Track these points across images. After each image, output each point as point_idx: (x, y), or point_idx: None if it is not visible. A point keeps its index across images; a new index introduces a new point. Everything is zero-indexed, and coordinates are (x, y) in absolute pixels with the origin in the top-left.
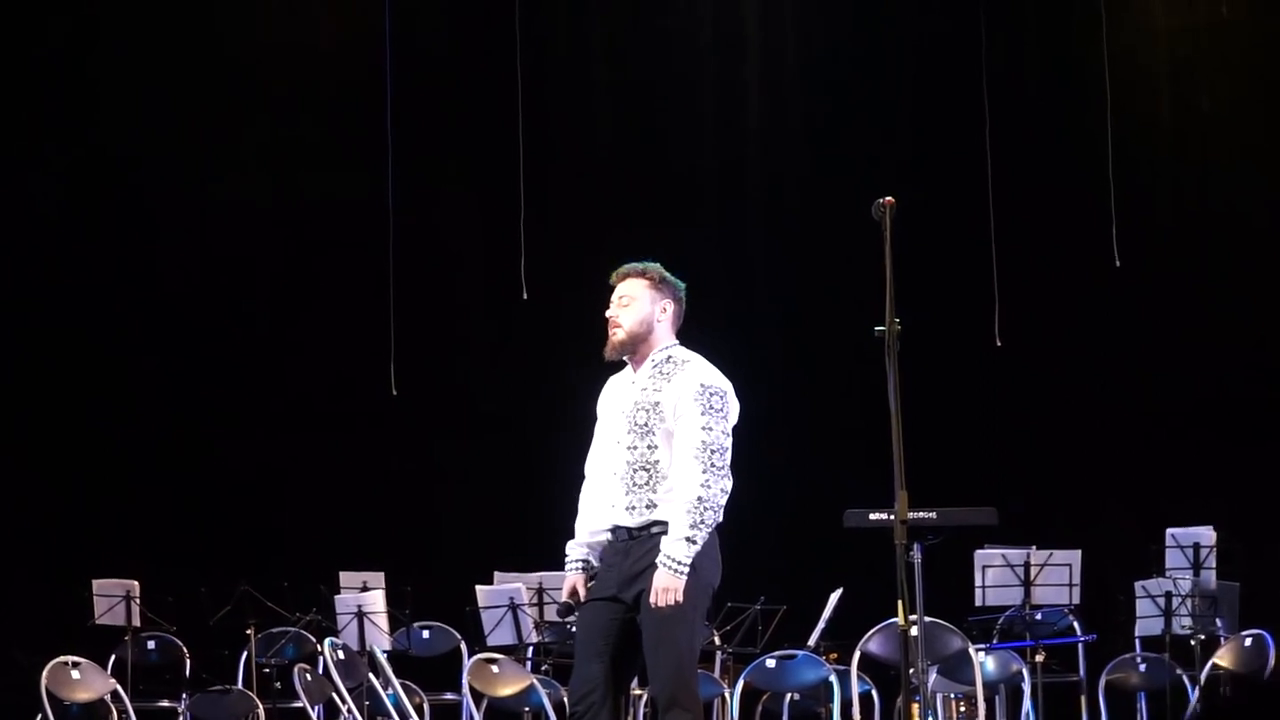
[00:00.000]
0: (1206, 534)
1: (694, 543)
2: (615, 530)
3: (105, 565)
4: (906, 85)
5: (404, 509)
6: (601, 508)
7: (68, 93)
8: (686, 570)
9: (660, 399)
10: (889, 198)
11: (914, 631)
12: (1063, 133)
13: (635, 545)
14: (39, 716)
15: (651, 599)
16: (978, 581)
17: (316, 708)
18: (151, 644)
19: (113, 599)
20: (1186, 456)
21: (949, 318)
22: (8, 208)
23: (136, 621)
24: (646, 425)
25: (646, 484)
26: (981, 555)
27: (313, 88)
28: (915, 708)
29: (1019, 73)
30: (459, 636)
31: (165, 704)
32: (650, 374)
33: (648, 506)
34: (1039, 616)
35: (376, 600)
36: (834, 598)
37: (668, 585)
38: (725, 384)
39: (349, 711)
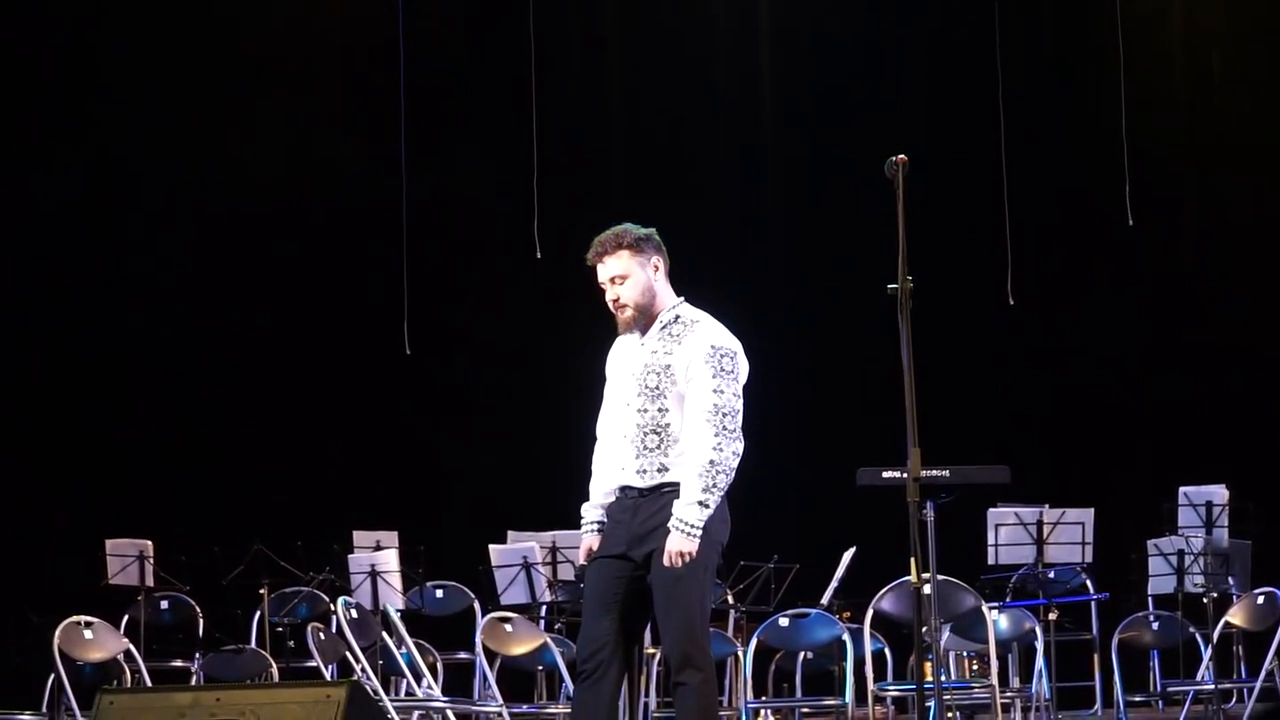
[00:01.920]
0: (1219, 492)
1: (706, 506)
2: (624, 490)
3: (119, 525)
4: (920, 44)
5: (417, 468)
6: (613, 470)
7: (78, 71)
8: (699, 534)
9: (671, 361)
10: (902, 156)
11: (927, 590)
12: (1076, 91)
13: (645, 503)
14: (52, 676)
15: (665, 561)
16: (990, 540)
17: (330, 667)
18: (165, 604)
19: (126, 559)
20: (1199, 415)
21: (962, 276)
22: (30, 178)
23: (150, 581)
24: (658, 388)
25: (658, 447)
26: (994, 514)
27: (327, 50)
28: (928, 666)
29: (1033, 32)
30: (472, 595)
31: (178, 663)
32: (659, 336)
33: (659, 470)
34: (1052, 575)
35: (390, 559)
36: (847, 556)
37: (681, 548)
38: (735, 344)
39: (362, 670)
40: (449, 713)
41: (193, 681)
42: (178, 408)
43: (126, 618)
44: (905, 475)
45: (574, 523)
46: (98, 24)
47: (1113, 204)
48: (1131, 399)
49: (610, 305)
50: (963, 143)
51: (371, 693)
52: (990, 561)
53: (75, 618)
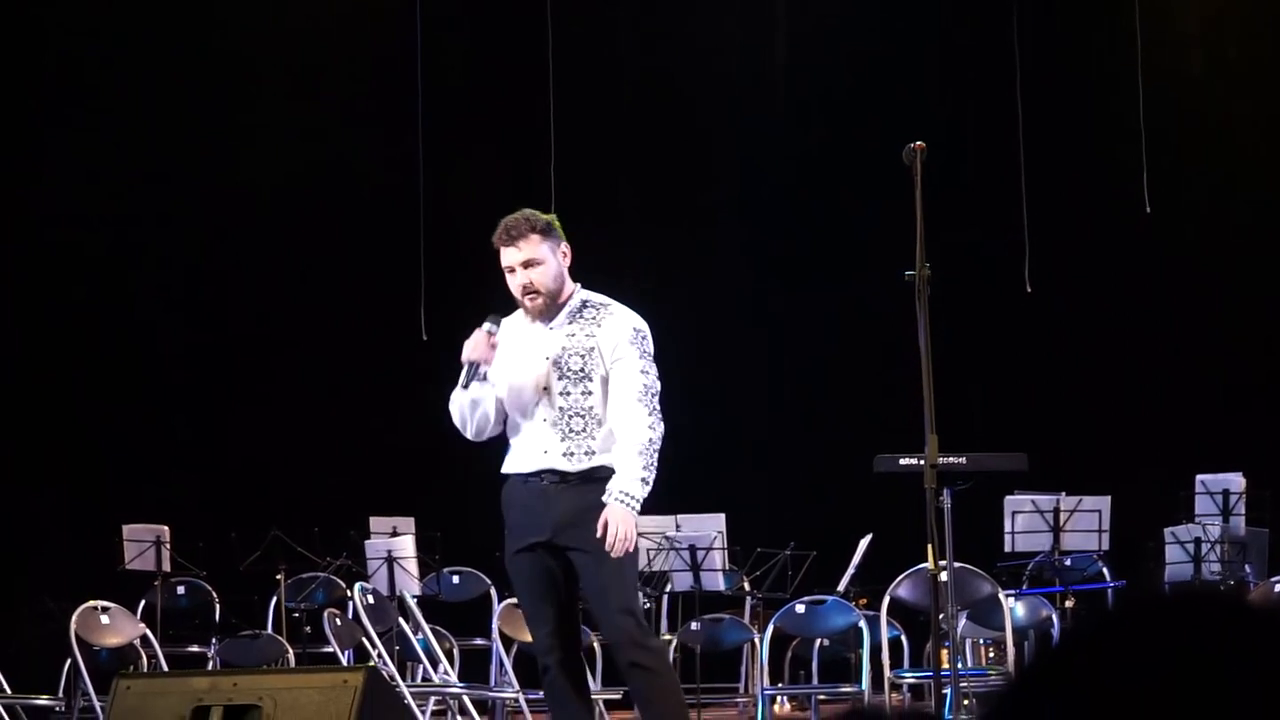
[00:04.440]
0: (1236, 480)
1: (647, 483)
2: (541, 474)
3: (135, 510)
4: (937, 31)
5: (434, 454)
6: (526, 454)
7: (90, 66)
8: (638, 508)
9: (596, 344)
10: (919, 143)
11: (943, 577)
12: (1094, 78)
13: (569, 489)
14: (69, 661)
15: (609, 535)
16: (1007, 527)
17: (346, 652)
18: (181, 589)
19: (143, 544)
20: (1216, 403)
21: (979, 263)
22: (57, 172)
23: (166, 566)
24: (582, 370)
25: (583, 430)
26: (1011, 501)
27: (345, 47)
28: (945, 653)
29: (1051, 19)
30: (489, 581)
31: (195, 649)
32: (573, 320)
33: (587, 453)
34: (1068, 562)
35: (406, 545)
36: (864, 543)
37: (623, 519)
38: (646, 324)
39: (379, 656)
40: (465, 699)
41: (209, 667)
42: (196, 393)
43: (143, 603)
44: (923, 462)
45: None
46: (112, 21)
47: (1130, 191)
48: (1148, 387)
49: (517, 290)
50: (980, 130)
51: (388, 678)
52: (1007, 549)
53: (92, 603)
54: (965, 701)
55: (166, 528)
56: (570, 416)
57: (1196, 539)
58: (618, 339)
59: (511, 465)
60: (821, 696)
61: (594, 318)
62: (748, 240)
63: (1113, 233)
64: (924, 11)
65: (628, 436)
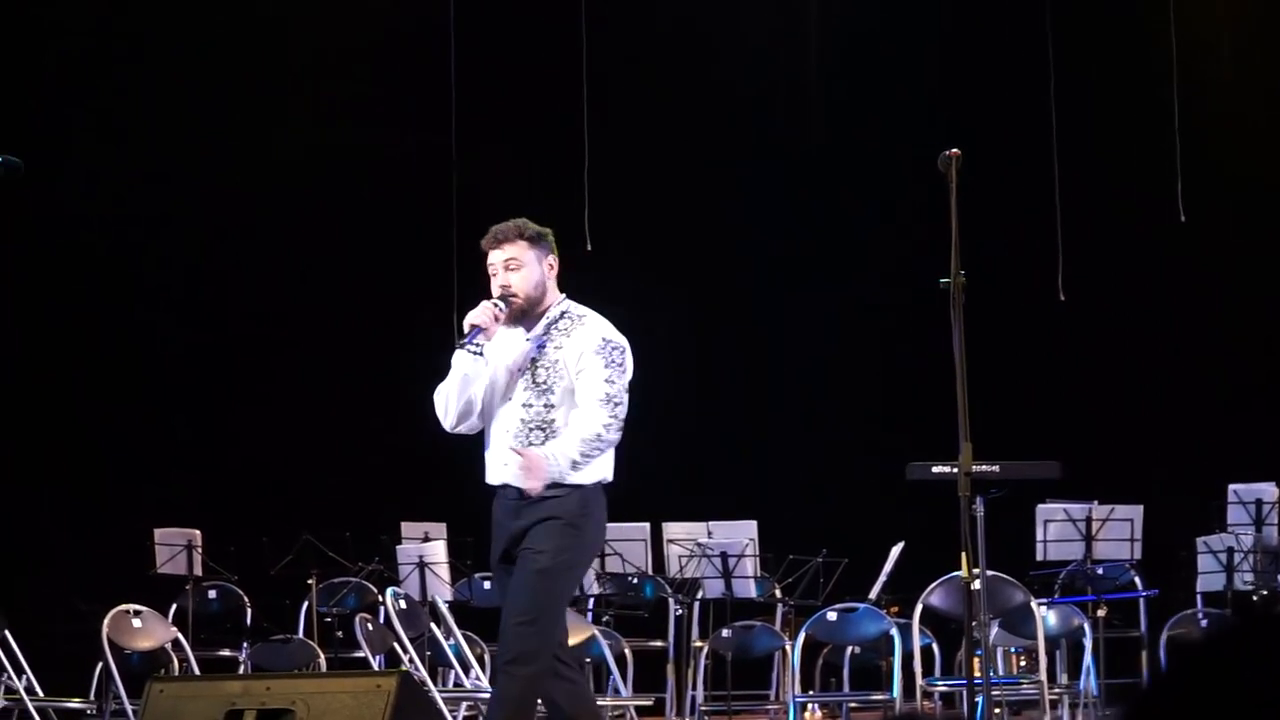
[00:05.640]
0: (1269, 490)
1: (577, 466)
2: (506, 489)
3: (167, 515)
4: (971, 38)
5: (466, 459)
6: (491, 464)
7: (122, 60)
8: (558, 473)
9: (561, 356)
10: (955, 150)
11: (976, 585)
12: (1128, 86)
13: (527, 506)
14: (100, 664)
15: (518, 473)
16: (1039, 536)
17: (378, 657)
18: (213, 593)
19: (174, 548)
20: (1249, 412)
21: (1013, 272)
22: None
23: (198, 571)
24: (546, 383)
25: (542, 444)
26: (1043, 510)
27: (377, 37)
28: (976, 661)
29: (1085, 26)
30: None
31: (226, 653)
32: (547, 331)
33: None
34: (1100, 571)
35: (438, 550)
36: (895, 551)
37: (539, 463)
38: (624, 341)
39: (410, 661)
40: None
41: (240, 671)
42: (228, 397)
43: (175, 606)
44: (956, 470)
45: (624, 517)
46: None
47: (1164, 199)
48: (1181, 395)
49: (497, 292)
50: (1015, 137)
51: (420, 683)
52: (1039, 557)
53: (124, 606)
54: (996, 710)
55: (198, 532)
56: (531, 429)
57: (1229, 548)
58: (584, 348)
59: (487, 476)
60: (853, 704)
61: (567, 329)
62: (780, 245)
63: (1147, 240)
64: (958, 18)
65: (577, 425)
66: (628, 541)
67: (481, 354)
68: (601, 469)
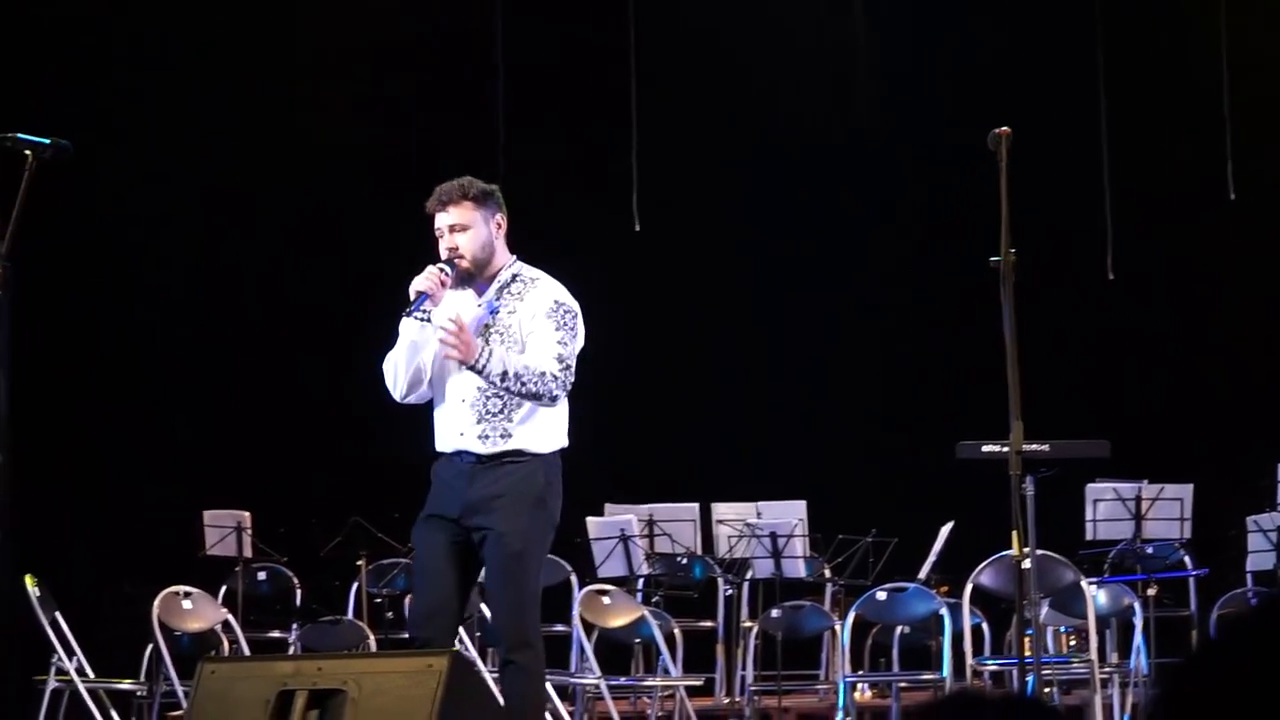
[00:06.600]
0: None
1: (505, 380)
2: (460, 454)
3: (217, 496)
4: (1021, 17)
5: None
6: (443, 432)
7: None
8: (480, 368)
9: (515, 320)
10: (1005, 128)
11: (1026, 564)
12: (1178, 64)
13: (483, 471)
14: (150, 646)
15: (444, 340)
16: (1089, 515)
17: None
18: (262, 575)
19: (224, 530)
20: None
21: (1062, 250)
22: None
23: (248, 552)
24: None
25: (500, 412)
26: (1093, 489)
27: (425, 26)
28: (1027, 640)
29: (1133, 4)
30: (569, 568)
31: (276, 634)
32: (499, 294)
33: (502, 436)
34: (1150, 550)
35: None
36: (945, 530)
37: (470, 341)
38: (576, 305)
39: (460, 642)
40: (547, 685)
41: (290, 652)
42: (277, 378)
43: (224, 588)
44: (1006, 449)
45: (672, 496)
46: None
47: (1214, 178)
48: (1231, 374)
49: (444, 255)
50: (1063, 116)
51: (470, 663)
52: (1089, 537)
53: (174, 588)
54: (1047, 689)
55: (247, 514)
56: (488, 397)
57: (1279, 528)
58: (536, 310)
59: (437, 444)
60: (902, 684)
61: (519, 292)
62: (828, 226)
63: (1196, 219)
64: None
65: (529, 355)
66: (677, 522)
67: (429, 320)
68: (557, 435)
